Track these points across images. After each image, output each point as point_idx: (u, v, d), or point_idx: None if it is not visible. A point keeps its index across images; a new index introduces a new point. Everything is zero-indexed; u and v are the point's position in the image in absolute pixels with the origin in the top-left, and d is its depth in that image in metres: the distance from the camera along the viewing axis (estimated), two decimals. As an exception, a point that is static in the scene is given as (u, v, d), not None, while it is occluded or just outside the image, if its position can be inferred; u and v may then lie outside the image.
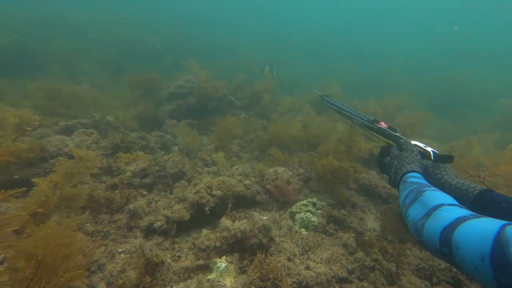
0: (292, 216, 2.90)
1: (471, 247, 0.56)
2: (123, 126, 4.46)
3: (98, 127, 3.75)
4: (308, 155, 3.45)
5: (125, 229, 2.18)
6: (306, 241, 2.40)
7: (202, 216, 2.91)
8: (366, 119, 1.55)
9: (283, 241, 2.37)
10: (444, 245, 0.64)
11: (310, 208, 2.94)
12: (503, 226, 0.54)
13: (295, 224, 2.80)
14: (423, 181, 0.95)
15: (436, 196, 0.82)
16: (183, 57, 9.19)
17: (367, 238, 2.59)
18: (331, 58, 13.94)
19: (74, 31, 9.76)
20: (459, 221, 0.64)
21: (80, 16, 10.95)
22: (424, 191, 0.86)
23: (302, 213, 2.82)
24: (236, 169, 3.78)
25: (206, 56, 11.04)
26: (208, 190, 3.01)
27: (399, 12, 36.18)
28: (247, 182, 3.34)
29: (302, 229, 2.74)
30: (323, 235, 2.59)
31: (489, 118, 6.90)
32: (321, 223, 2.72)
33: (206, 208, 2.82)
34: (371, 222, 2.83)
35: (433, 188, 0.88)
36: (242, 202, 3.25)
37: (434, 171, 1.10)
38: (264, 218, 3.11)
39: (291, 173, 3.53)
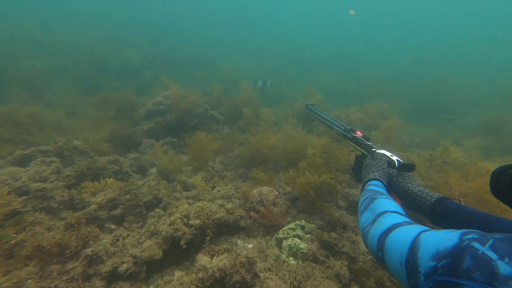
0: (279, 243, 2.63)
1: (395, 251, 0.60)
2: (93, 150, 4.09)
3: (61, 154, 3.38)
4: (288, 174, 3.24)
5: (80, 280, 1.83)
6: (295, 274, 2.13)
7: (179, 250, 2.58)
8: (343, 128, 1.56)
9: (268, 277, 2.09)
10: (380, 250, 0.68)
11: (299, 232, 2.69)
12: (420, 233, 0.58)
13: (283, 253, 2.53)
14: (380, 189, 0.99)
15: (384, 203, 0.87)
16: (163, 72, 8.95)
17: (361, 263, 2.36)
18: (314, 67, 14.15)
19: (46, 49, 9.28)
20: (393, 227, 0.69)
21: (52, 34, 10.50)
22: (376, 198, 0.91)
23: (290, 240, 2.56)
24: (218, 191, 3.50)
25: (187, 69, 10.81)
26: (185, 220, 2.70)
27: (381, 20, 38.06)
28: (229, 206, 3.05)
29: (291, 258, 2.47)
30: (314, 264, 2.33)
31: (474, 123, 7.01)
32: (311, 249, 2.47)
33: (182, 242, 2.50)
34: (364, 245, 2.61)
35: (385, 196, 0.93)
36: (224, 229, 2.96)
37: (398, 179, 1.14)
38: (249, 246, 2.83)
39: (277, 192, 3.28)
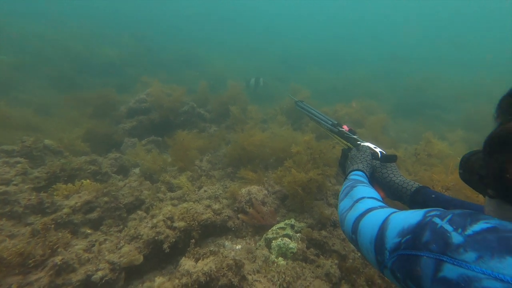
0: (268, 243, 2.53)
1: (367, 233, 0.63)
2: (68, 150, 3.81)
3: (29, 154, 3.09)
4: (275, 173, 3.16)
5: (47, 293, 1.63)
6: (284, 275, 2.04)
7: (162, 254, 2.42)
8: (330, 123, 1.58)
9: (256, 280, 1.98)
10: (354, 233, 0.72)
11: (288, 231, 2.60)
12: (390, 214, 0.60)
13: (272, 253, 2.43)
14: (361, 179, 1.03)
15: (362, 190, 0.90)
16: (147, 70, 8.60)
17: (351, 261, 2.31)
18: (303, 65, 14.19)
19: (15, 43, 8.57)
20: (367, 211, 0.72)
21: (22, 27, 9.72)
22: (356, 186, 0.95)
23: (279, 239, 2.47)
24: (205, 191, 3.35)
25: (173, 67, 10.47)
26: (168, 222, 2.54)
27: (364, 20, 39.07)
28: (216, 206, 2.92)
29: (280, 258, 2.38)
30: (303, 264, 2.25)
31: (457, 118, 7.26)
32: (301, 248, 2.38)
33: (165, 246, 2.34)
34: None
35: (365, 184, 0.97)
36: (211, 231, 2.82)
37: (381, 170, 1.17)
38: (237, 247, 2.70)
39: (266, 191, 3.18)
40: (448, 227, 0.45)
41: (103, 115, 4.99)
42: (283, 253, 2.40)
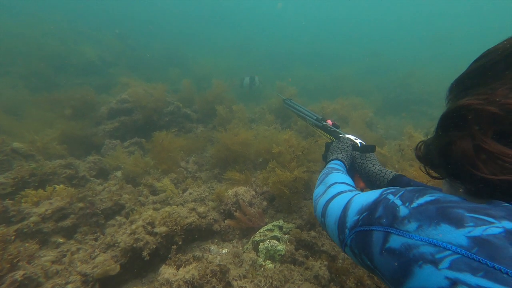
0: (256, 246, 2.43)
1: (332, 214, 0.66)
2: (42, 154, 3.55)
3: (-6, 159, 2.84)
4: (261, 175, 3.08)
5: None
6: (271, 280, 1.94)
7: (141, 262, 2.26)
8: (315, 117, 1.61)
9: (242, 286, 1.87)
10: (323, 216, 0.75)
11: (276, 233, 2.51)
12: (354, 195, 0.64)
13: (259, 257, 2.33)
14: (338, 167, 1.05)
15: (336, 176, 0.93)
16: (130, 69, 8.29)
17: (341, 261, 2.24)
18: (290, 63, 14.20)
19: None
20: (336, 194, 0.75)
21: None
22: (331, 173, 0.97)
23: (267, 242, 2.37)
24: (190, 193, 3.20)
25: (158, 66, 10.14)
26: (149, 228, 2.38)
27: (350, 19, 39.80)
28: (201, 209, 2.78)
29: (268, 261, 2.28)
30: (292, 266, 2.16)
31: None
32: (289, 250, 2.30)
33: (145, 253, 2.19)
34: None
35: (340, 171, 1.00)
36: (196, 235, 2.68)
37: (361, 161, 1.19)
38: (223, 251, 2.58)
39: (254, 192, 3.08)
40: (398, 202, 0.47)
41: (82, 116, 4.71)
42: (271, 256, 2.31)
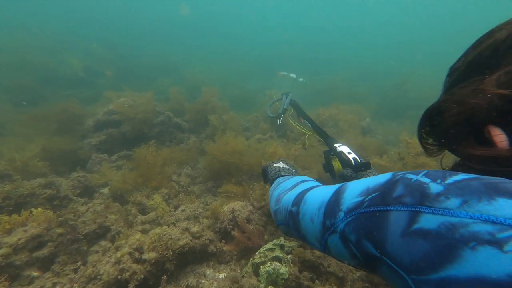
0: (256, 269, 2.20)
1: (316, 200, 0.59)
2: (20, 173, 3.27)
3: (-37, 182, 2.57)
4: (255, 192, 2.89)
5: None
6: (276, 312, 1.72)
7: (128, 295, 2.01)
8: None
9: (243, 322, 1.64)
10: (295, 205, 0.67)
11: (278, 253, 2.29)
12: (346, 183, 0.58)
13: (261, 282, 2.10)
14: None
15: (307, 178, 0.89)
16: (121, 79, 8.05)
17: (350, 283, 2.04)
18: (284, 69, 14.19)
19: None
20: (316, 186, 0.70)
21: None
22: (289, 178, 0.95)
23: (268, 264, 2.15)
24: (183, 210, 2.97)
25: (148, 76, 9.93)
26: (136, 255, 2.14)
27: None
28: (195, 229, 2.55)
29: (270, 287, 2.06)
30: (297, 292, 1.95)
31: None
32: (293, 273, 2.08)
33: (131, 286, 1.94)
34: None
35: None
36: (190, 258, 2.44)
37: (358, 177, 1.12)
38: (220, 276, 2.35)
39: (251, 207, 2.87)
40: (425, 179, 0.41)
41: (68, 130, 4.45)
42: (273, 280, 2.09)
